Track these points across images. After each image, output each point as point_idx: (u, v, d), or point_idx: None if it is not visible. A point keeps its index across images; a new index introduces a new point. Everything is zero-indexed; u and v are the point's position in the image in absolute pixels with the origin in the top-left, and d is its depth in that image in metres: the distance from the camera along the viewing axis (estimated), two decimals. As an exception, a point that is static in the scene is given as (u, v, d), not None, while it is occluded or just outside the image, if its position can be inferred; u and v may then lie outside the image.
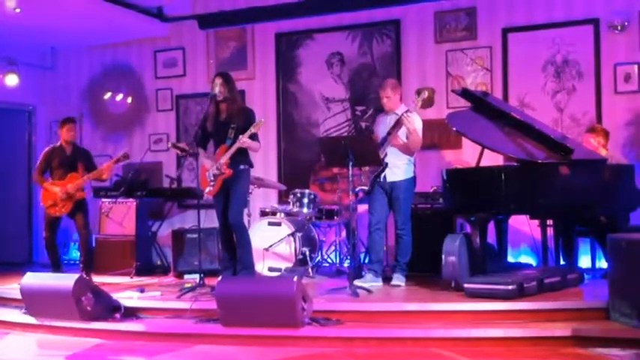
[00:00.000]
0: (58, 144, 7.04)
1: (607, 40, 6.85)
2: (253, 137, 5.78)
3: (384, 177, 5.92)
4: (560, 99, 7.03)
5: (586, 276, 5.84)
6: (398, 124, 5.82)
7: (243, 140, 5.66)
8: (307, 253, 6.60)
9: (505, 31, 7.22)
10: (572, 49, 6.97)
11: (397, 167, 5.92)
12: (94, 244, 7.41)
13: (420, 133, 5.94)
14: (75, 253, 8.42)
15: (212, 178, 5.82)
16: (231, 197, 5.82)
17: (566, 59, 7.00)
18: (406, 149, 5.93)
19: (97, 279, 6.15)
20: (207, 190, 5.87)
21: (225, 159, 5.77)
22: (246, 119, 5.83)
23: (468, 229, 5.81)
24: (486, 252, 5.68)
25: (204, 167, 5.91)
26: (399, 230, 5.98)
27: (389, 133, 5.88)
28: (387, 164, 5.82)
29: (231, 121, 5.83)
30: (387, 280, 6.00)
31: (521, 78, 7.14)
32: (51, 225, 6.94)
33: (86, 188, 7.69)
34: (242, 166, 5.87)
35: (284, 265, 6.62)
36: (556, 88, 7.04)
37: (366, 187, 5.80)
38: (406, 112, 5.81)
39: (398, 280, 5.89)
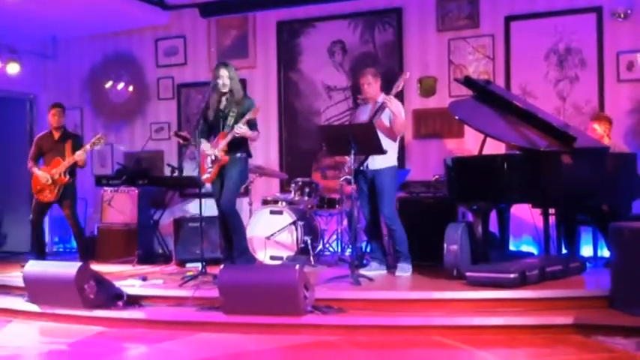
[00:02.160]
0: (48, 130, 7.20)
1: (610, 28, 6.83)
2: (252, 125, 5.78)
3: (367, 165, 5.84)
4: (562, 87, 7.01)
5: (588, 264, 5.84)
6: (381, 107, 5.76)
7: (240, 125, 5.65)
8: (309, 241, 6.60)
9: (507, 20, 7.19)
10: (574, 37, 6.93)
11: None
12: (86, 232, 7.47)
13: (403, 116, 5.88)
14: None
15: (210, 165, 5.83)
16: (225, 184, 5.82)
17: (568, 47, 6.97)
18: (390, 133, 5.81)
19: (99, 267, 6.15)
20: (204, 177, 5.88)
21: (222, 145, 5.76)
22: (245, 107, 5.83)
23: (470, 217, 5.81)
24: (488, 241, 5.69)
25: (204, 155, 5.91)
26: (388, 222, 5.83)
27: (371, 119, 5.78)
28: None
29: (231, 108, 5.84)
30: (389, 268, 5.99)
31: (523, 66, 7.12)
32: (38, 209, 7.08)
33: (87, 176, 7.72)
34: (239, 154, 5.86)
35: (286, 253, 6.63)
36: (559, 77, 7.01)
37: (350, 177, 5.72)
38: (388, 94, 5.74)
39: (402, 270, 5.83)
